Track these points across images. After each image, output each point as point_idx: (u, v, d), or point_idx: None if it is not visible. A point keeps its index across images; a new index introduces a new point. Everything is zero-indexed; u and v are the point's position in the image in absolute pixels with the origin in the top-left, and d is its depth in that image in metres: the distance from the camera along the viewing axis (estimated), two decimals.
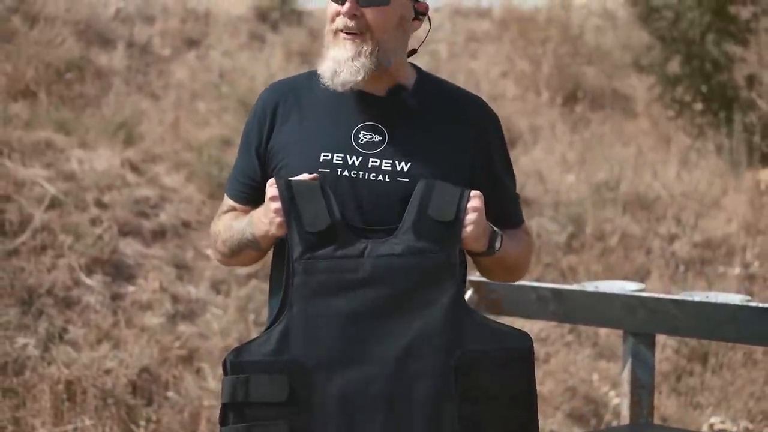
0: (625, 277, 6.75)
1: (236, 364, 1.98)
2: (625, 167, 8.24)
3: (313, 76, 2.20)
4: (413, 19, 2.19)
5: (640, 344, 3.43)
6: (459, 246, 2.03)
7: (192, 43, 8.89)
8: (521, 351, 2.04)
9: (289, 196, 2.01)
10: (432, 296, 1.99)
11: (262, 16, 9.75)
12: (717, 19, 9.76)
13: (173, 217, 6.05)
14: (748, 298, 3.36)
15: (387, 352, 1.97)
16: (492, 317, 3.93)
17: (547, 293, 3.56)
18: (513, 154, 8.00)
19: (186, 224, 6.08)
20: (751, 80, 9.80)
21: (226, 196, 2.30)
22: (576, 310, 3.53)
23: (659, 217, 7.58)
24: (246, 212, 2.20)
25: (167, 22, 9.02)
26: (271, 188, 2.03)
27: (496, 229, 2.11)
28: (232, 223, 2.19)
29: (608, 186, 7.74)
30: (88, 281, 5.29)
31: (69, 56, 7.63)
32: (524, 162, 8.07)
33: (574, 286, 3.62)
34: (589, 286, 3.54)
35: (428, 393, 1.96)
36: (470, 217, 2.02)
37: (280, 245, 2.14)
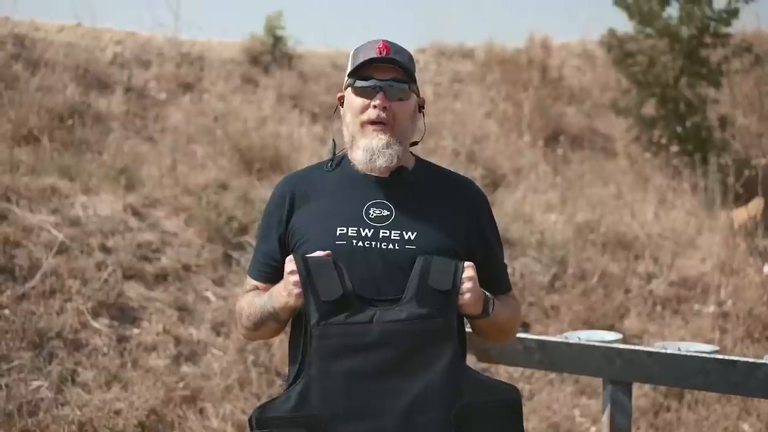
0: (605, 315, 7.07)
1: (261, 420, 2.29)
2: (605, 207, 8.58)
3: (320, 166, 2.59)
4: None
5: (618, 391, 3.75)
6: (456, 311, 2.34)
7: (187, 86, 9.18)
8: (511, 401, 2.36)
9: (306, 270, 2.31)
10: (433, 356, 2.30)
11: (254, 59, 10.05)
12: (689, 63, 10.13)
13: (174, 261, 6.30)
14: (717, 348, 3.67)
15: (395, 407, 2.27)
16: (482, 364, 4.21)
17: (533, 344, 3.86)
18: (497, 195, 8.37)
19: (186, 268, 6.33)
20: (724, 121, 10.16)
21: (248, 277, 2.61)
22: (559, 359, 3.84)
23: (637, 256, 7.88)
24: (268, 290, 2.50)
25: (162, 67, 9.32)
26: (290, 263, 2.34)
27: (489, 294, 2.43)
28: (255, 300, 2.50)
29: (589, 226, 8.04)
30: (95, 324, 5.54)
31: (70, 101, 7.91)
32: (508, 203, 8.38)
33: (558, 338, 3.92)
34: (572, 337, 3.85)
35: None
36: (466, 285, 2.34)
37: (297, 318, 2.44)
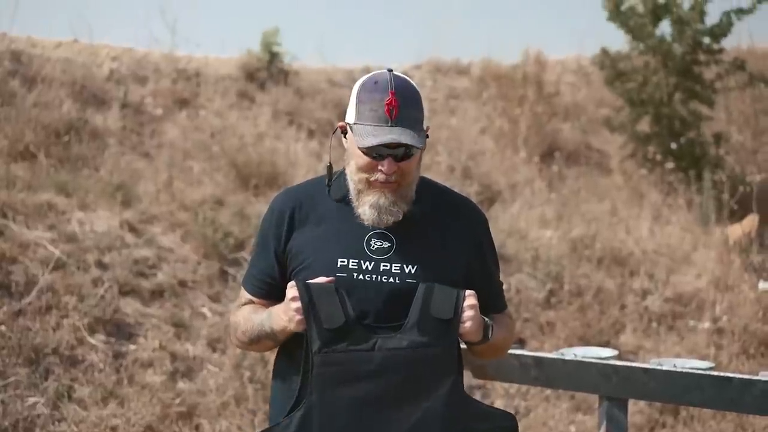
0: (600, 331, 7.08)
1: None
2: (600, 223, 8.60)
3: (321, 184, 2.55)
4: None
5: (614, 408, 3.77)
6: (457, 339, 2.37)
7: (183, 102, 9.20)
8: (508, 428, 2.41)
9: (308, 297, 2.32)
10: (433, 384, 2.32)
11: (250, 75, 10.07)
12: (683, 80, 10.15)
13: (170, 277, 6.31)
14: (712, 365, 3.69)
15: None
16: (478, 381, 4.22)
17: (529, 360, 3.88)
18: (492, 211, 8.39)
19: (182, 284, 6.34)
20: (719, 138, 10.19)
21: (243, 290, 2.61)
22: (555, 376, 3.85)
23: (633, 272, 7.90)
24: (263, 305, 2.51)
25: (159, 83, 9.34)
26: (292, 289, 2.34)
27: (488, 320, 2.45)
28: (252, 316, 2.50)
29: (584, 242, 8.06)
30: (91, 340, 5.55)
31: (66, 117, 7.92)
32: (503, 219, 8.39)
33: (554, 354, 3.94)
34: (568, 354, 3.86)
35: None
36: (468, 314, 2.36)
37: (292, 339, 2.43)
